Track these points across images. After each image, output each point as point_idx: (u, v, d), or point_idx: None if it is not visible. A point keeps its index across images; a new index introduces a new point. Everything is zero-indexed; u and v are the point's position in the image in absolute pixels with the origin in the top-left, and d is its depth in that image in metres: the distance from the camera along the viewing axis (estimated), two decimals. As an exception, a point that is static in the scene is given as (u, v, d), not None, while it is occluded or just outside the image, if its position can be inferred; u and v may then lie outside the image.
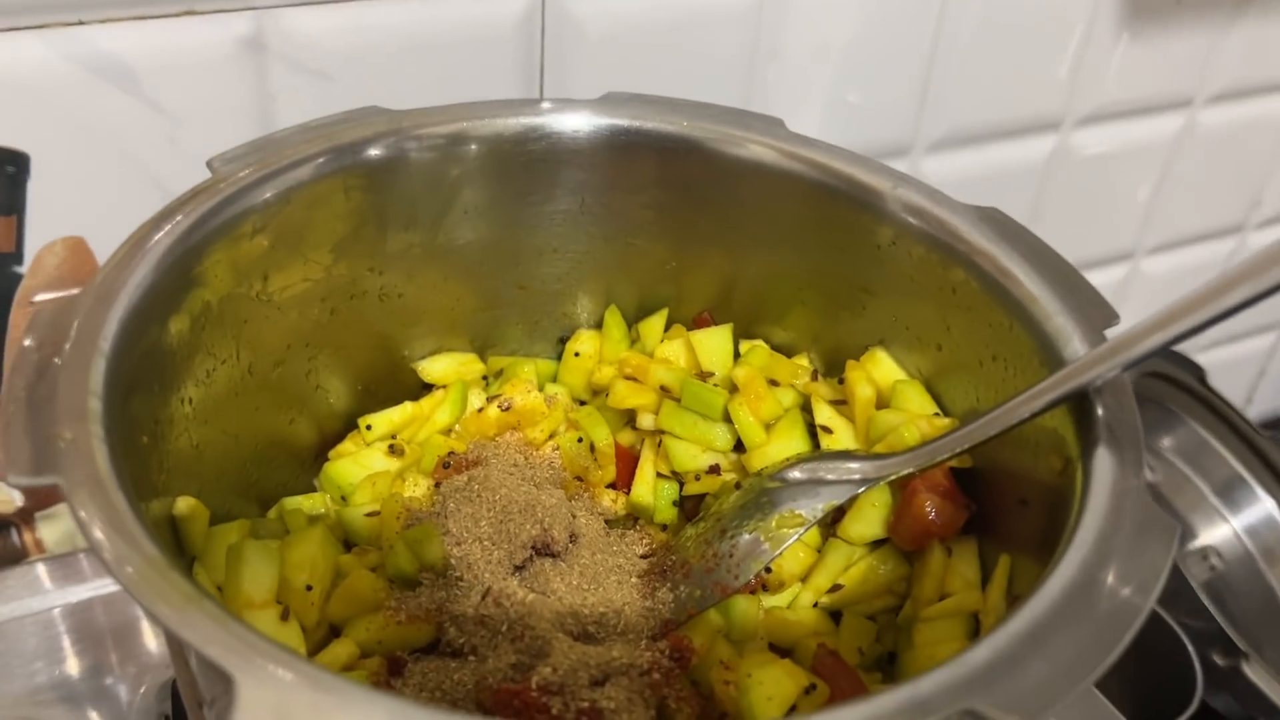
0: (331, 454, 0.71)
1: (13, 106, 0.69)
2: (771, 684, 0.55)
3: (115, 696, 0.83)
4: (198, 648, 0.36)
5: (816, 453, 0.66)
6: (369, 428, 0.71)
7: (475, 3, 0.78)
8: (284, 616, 0.55)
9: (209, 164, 0.61)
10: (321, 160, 0.62)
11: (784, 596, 0.64)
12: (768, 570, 0.63)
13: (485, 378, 0.76)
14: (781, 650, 0.62)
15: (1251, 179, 1.27)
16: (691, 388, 0.70)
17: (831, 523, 0.65)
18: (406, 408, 0.72)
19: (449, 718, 0.36)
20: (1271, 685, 1.03)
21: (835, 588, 0.64)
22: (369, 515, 0.64)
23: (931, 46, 0.96)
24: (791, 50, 0.91)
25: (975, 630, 0.59)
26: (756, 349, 0.73)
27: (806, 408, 0.70)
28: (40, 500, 0.85)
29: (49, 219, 0.74)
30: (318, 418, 0.70)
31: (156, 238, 0.55)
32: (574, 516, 0.65)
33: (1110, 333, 0.56)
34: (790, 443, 0.68)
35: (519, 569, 0.61)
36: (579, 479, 0.71)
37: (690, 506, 0.70)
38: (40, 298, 0.76)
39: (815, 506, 0.60)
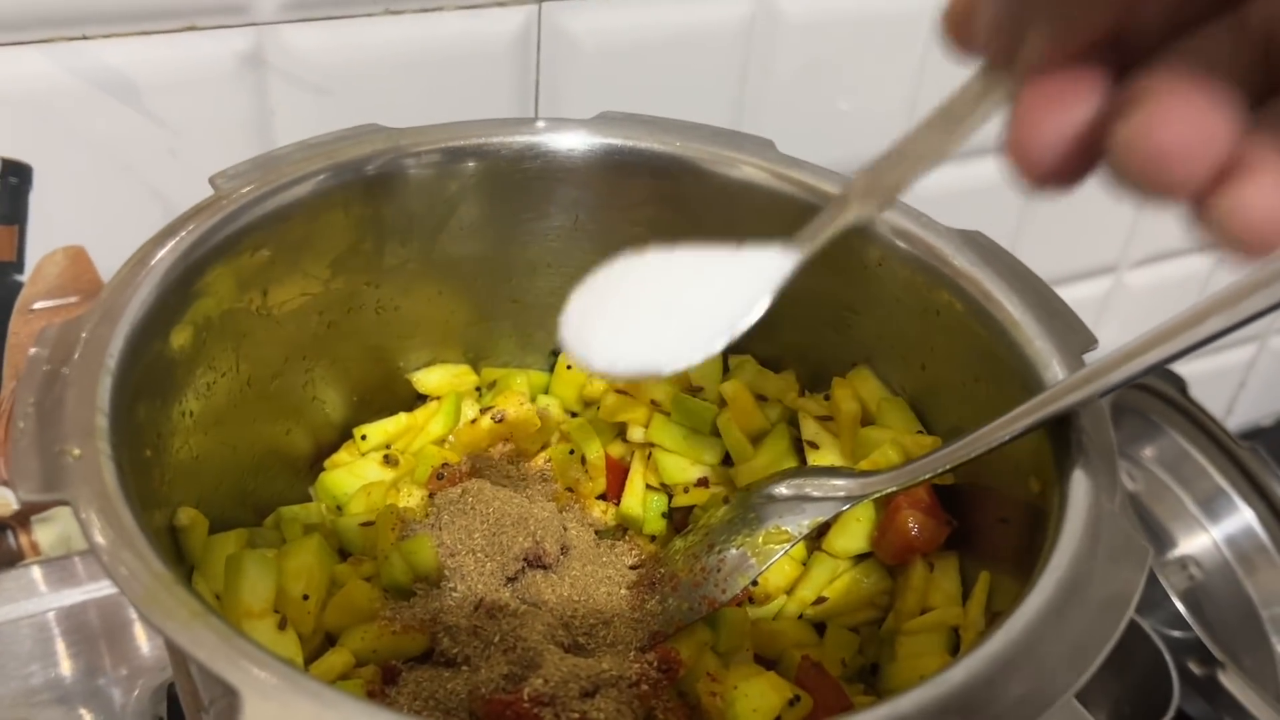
0: (327, 464, 0.72)
1: (17, 119, 0.70)
2: (757, 696, 0.56)
3: (109, 699, 0.84)
4: (207, 664, 0.38)
5: (803, 469, 0.67)
6: (364, 438, 0.72)
7: (472, 20, 0.79)
8: (281, 626, 0.57)
9: (211, 181, 0.62)
10: (322, 177, 0.63)
11: (769, 608, 0.66)
12: (754, 583, 0.64)
13: (479, 389, 0.78)
14: (766, 661, 0.63)
15: (1234, 194, 1.29)
16: (681, 402, 0.71)
17: (817, 537, 0.67)
18: (401, 418, 0.73)
19: (447, 733, 0.37)
20: (1247, 694, 1.05)
21: (820, 600, 0.65)
22: (364, 525, 0.66)
23: (919, 62, 0.98)
24: (782, 67, 0.92)
25: (955, 644, 0.61)
26: (745, 364, 0.74)
27: (793, 422, 0.72)
28: (37, 504, 0.86)
29: (50, 229, 0.75)
30: (314, 428, 0.72)
31: (160, 254, 0.57)
32: (565, 529, 0.66)
33: (1089, 357, 0.57)
34: (776, 457, 0.69)
35: (511, 580, 0.62)
36: (570, 490, 0.72)
37: (679, 518, 0.72)
38: (40, 305, 0.77)
39: (801, 523, 0.61)
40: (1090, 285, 1.27)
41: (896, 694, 0.41)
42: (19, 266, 0.75)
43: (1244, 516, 1.32)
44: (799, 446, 0.71)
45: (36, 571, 0.88)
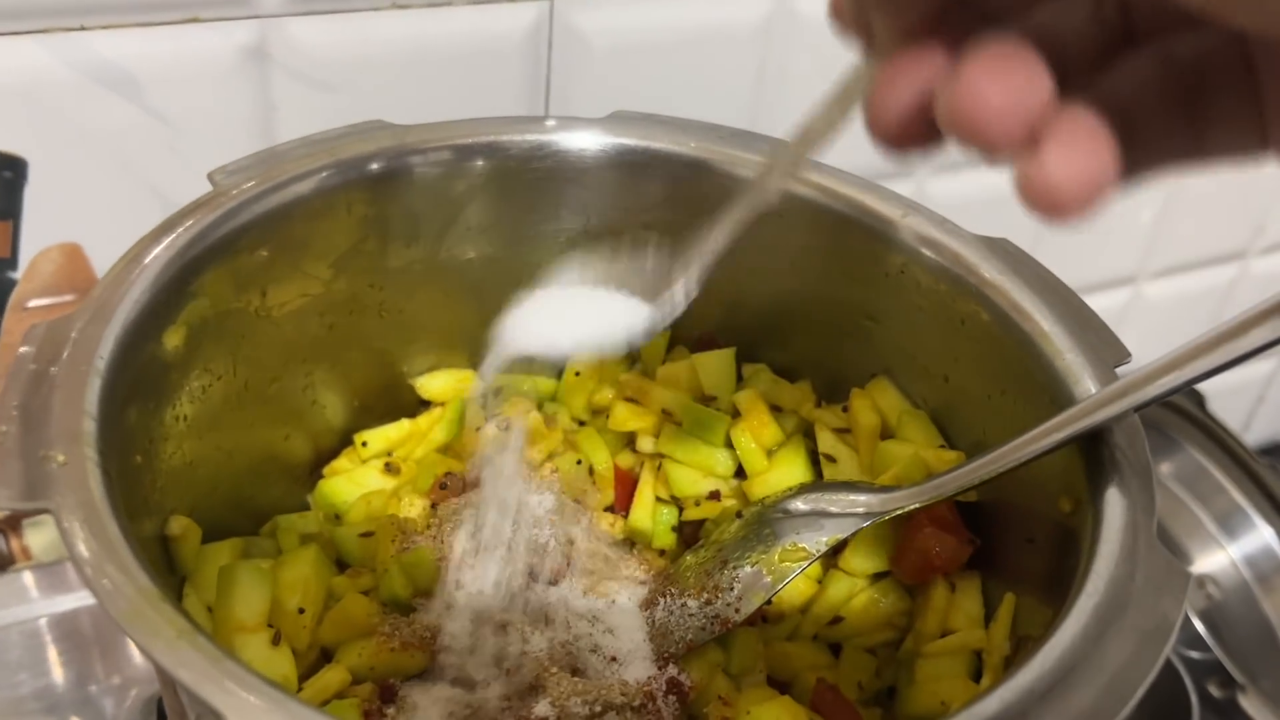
0: (326, 471, 0.70)
1: (11, 111, 0.68)
2: (771, 721, 0.54)
3: (100, 708, 0.82)
4: (192, 687, 0.36)
5: (820, 483, 0.65)
6: (365, 444, 0.70)
7: (481, 16, 0.77)
8: (275, 641, 0.54)
9: (210, 177, 0.60)
10: (324, 175, 0.61)
11: (783, 628, 0.63)
12: (768, 602, 0.62)
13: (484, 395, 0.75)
14: (780, 684, 0.61)
15: (1256, 204, 1.27)
16: (693, 412, 0.69)
17: (833, 554, 0.64)
18: (403, 424, 0.71)
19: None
20: (1268, 717, 1.03)
21: (836, 620, 0.63)
22: (363, 536, 0.63)
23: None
24: (799, 69, 0.90)
25: (977, 667, 0.58)
26: (760, 373, 0.72)
27: (809, 434, 0.70)
28: (32, 512, 0.84)
29: (45, 225, 0.73)
30: (313, 433, 0.69)
31: (155, 252, 0.54)
32: (571, 542, 0.64)
33: (1122, 370, 0.55)
34: (792, 471, 0.67)
35: (515, 596, 0.60)
36: (577, 501, 0.70)
37: (689, 532, 0.69)
38: (34, 303, 0.75)
39: (819, 540, 0.59)
40: (1109, 296, 1.25)
41: (924, 726, 0.39)
42: (13, 263, 0.73)
43: (1263, 535, 1.29)
44: (815, 459, 0.68)
45: (28, 577, 0.86)
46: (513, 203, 0.68)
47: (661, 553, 0.69)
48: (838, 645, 0.64)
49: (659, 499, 0.70)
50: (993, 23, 0.33)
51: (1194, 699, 1.00)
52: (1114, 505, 0.48)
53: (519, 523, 0.63)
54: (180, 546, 0.55)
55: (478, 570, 0.60)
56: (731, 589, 0.59)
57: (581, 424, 0.75)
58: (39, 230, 0.73)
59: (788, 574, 0.59)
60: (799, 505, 0.61)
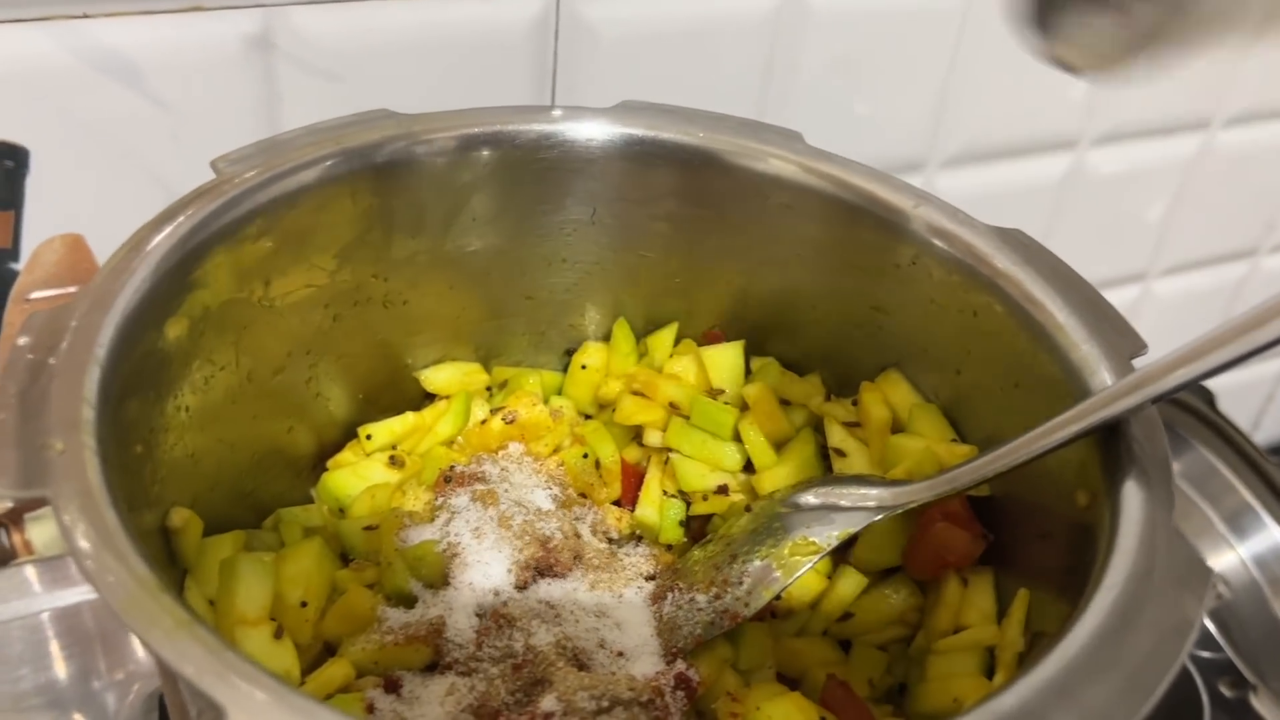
0: (330, 464, 0.69)
1: (13, 100, 0.67)
2: (781, 718, 0.53)
3: (103, 704, 0.81)
4: (191, 679, 0.35)
5: (831, 477, 0.64)
6: (369, 437, 0.69)
7: (488, 5, 0.76)
8: (277, 635, 0.53)
9: (213, 165, 0.59)
10: (329, 163, 0.60)
11: (792, 624, 0.63)
12: (778, 597, 0.61)
13: (489, 389, 0.75)
14: (789, 680, 0.60)
15: (1267, 203, 1.26)
16: (701, 405, 0.68)
17: (843, 549, 0.63)
18: (408, 418, 0.70)
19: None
20: (1279, 718, 1.02)
21: (846, 616, 0.62)
22: (367, 529, 0.63)
23: (949, 62, 0.95)
24: (808, 62, 0.89)
25: (990, 664, 0.57)
26: (768, 366, 0.71)
27: (818, 429, 0.69)
28: (31, 501, 0.83)
29: (48, 215, 0.72)
30: (317, 426, 0.69)
31: (156, 240, 0.54)
32: (578, 536, 0.63)
33: (1138, 362, 0.54)
34: (801, 465, 0.66)
35: (521, 590, 0.59)
36: (583, 495, 0.69)
37: (697, 527, 0.68)
38: (36, 295, 0.74)
39: (830, 534, 0.58)
40: (1119, 293, 1.24)
41: (932, 718, 0.38)
42: (14, 254, 0.72)
43: (1273, 535, 1.28)
44: (825, 454, 0.67)
45: (30, 571, 0.85)
46: (519, 193, 0.67)
47: (669, 548, 0.68)
48: (848, 642, 0.63)
49: (666, 493, 0.69)
50: None
51: (1205, 699, 0.99)
52: (1132, 499, 0.47)
53: (525, 516, 0.62)
54: (182, 539, 0.55)
55: (482, 563, 0.59)
56: (740, 583, 0.58)
57: (588, 417, 0.74)
58: (41, 221, 0.72)
59: (798, 568, 0.58)
60: (809, 499, 0.60)
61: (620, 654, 0.56)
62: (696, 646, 0.58)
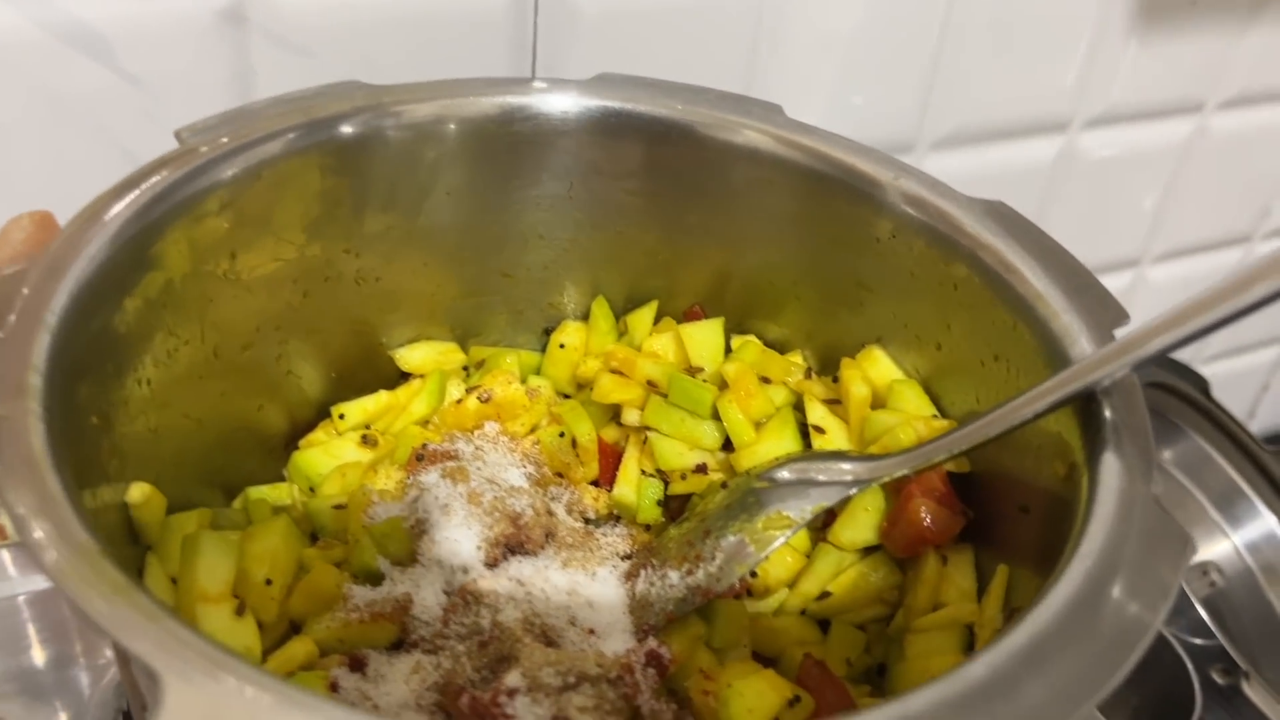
0: (302, 443, 0.68)
1: (-21, 73, 0.66)
2: (753, 695, 0.52)
3: (78, 689, 0.80)
4: (123, 643, 0.34)
5: (808, 453, 0.63)
6: (342, 416, 0.68)
7: (465, -21, 0.75)
8: (239, 611, 0.52)
9: (177, 134, 0.58)
10: (293, 135, 0.59)
11: (770, 603, 0.61)
12: (753, 575, 0.60)
13: (466, 368, 0.73)
14: (766, 659, 0.59)
15: (1261, 188, 1.25)
16: (679, 383, 0.67)
17: (821, 527, 0.62)
18: (381, 396, 0.69)
19: (393, 727, 0.33)
20: (1271, 704, 1.01)
21: (824, 595, 0.61)
22: (336, 508, 0.61)
23: (938, 41, 0.93)
24: (794, 41, 0.88)
25: (970, 643, 0.56)
26: (748, 344, 0.70)
27: (799, 406, 0.67)
28: None
29: (16, 192, 0.70)
30: (289, 405, 0.67)
31: (115, 210, 0.53)
32: (550, 514, 0.62)
33: (1120, 333, 0.53)
34: (780, 442, 0.65)
35: (491, 567, 0.58)
36: (560, 475, 0.68)
37: (675, 506, 0.67)
38: (5, 272, 0.73)
39: (804, 508, 0.57)
40: (1112, 279, 1.23)
41: (907, 692, 0.36)
42: (-18, 231, 0.71)
43: (1267, 522, 1.27)
44: (805, 432, 0.66)
45: (5, 555, 0.84)
46: (492, 167, 0.66)
47: (647, 527, 0.67)
48: (826, 621, 0.62)
49: (644, 473, 0.68)
50: None
51: (1197, 686, 0.98)
52: (1110, 469, 0.46)
53: (495, 493, 0.61)
54: (142, 514, 0.53)
55: (451, 540, 0.58)
56: (713, 559, 0.57)
57: (567, 397, 0.73)
58: (9, 197, 0.71)
59: (771, 542, 0.56)
60: (785, 474, 0.59)
61: (591, 632, 0.55)
62: (669, 623, 0.56)
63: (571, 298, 0.74)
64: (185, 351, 0.58)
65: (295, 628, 0.56)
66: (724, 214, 0.68)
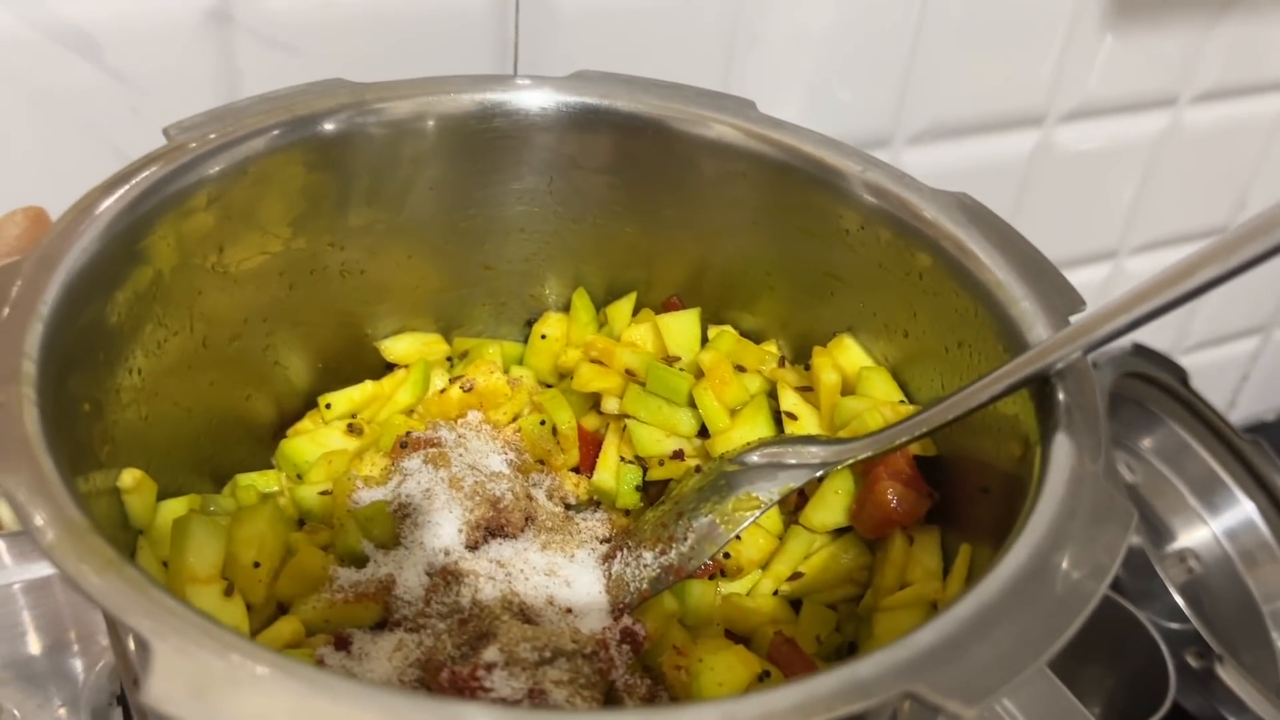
0: (289, 432, 0.70)
1: (-29, 73, 0.68)
2: (723, 669, 0.54)
3: (74, 675, 0.81)
4: (116, 614, 0.35)
5: (779, 438, 0.65)
6: (328, 406, 0.69)
7: (448, -21, 0.77)
8: (228, 593, 0.54)
9: (165, 131, 0.60)
10: (278, 132, 0.61)
11: (743, 583, 0.63)
12: (726, 555, 0.62)
13: (449, 359, 0.75)
14: (739, 638, 0.61)
15: (1237, 180, 1.27)
16: (656, 371, 0.69)
17: (793, 510, 0.64)
18: (367, 387, 0.71)
19: (367, 689, 0.34)
20: (1244, 687, 1.03)
21: (796, 575, 0.63)
22: (322, 494, 0.63)
23: (913, 36, 0.95)
24: (771, 38, 0.90)
25: (935, 620, 0.58)
26: (724, 334, 0.72)
27: (773, 394, 0.69)
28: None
29: (9, 189, 0.72)
30: (276, 395, 0.69)
31: (105, 204, 0.54)
32: (530, 499, 0.64)
33: (1076, 319, 0.55)
34: (754, 429, 0.67)
35: (472, 549, 0.60)
36: (541, 462, 0.70)
37: (654, 492, 0.69)
38: (-1, 268, 0.75)
39: (773, 490, 0.59)
40: (1090, 271, 1.25)
41: (858, 658, 0.38)
42: (-24, 227, 0.73)
43: (1245, 510, 1.29)
44: (778, 418, 0.68)
45: (1, 544, 0.85)
46: (473, 162, 0.68)
47: (627, 513, 0.69)
48: (798, 602, 0.63)
49: (624, 459, 0.70)
50: None
51: (1172, 669, 1.00)
52: (1061, 447, 0.48)
53: (476, 478, 0.63)
54: (133, 499, 0.55)
55: (433, 524, 0.60)
56: (685, 539, 0.59)
57: (549, 388, 0.75)
58: (3, 194, 0.72)
59: (741, 522, 0.58)
60: (755, 458, 0.61)
61: (569, 610, 0.57)
62: (643, 602, 0.58)
63: (553, 289, 0.76)
64: (175, 342, 0.60)
65: (283, 609, 0.58)
66: (699, 207, 0.70)
